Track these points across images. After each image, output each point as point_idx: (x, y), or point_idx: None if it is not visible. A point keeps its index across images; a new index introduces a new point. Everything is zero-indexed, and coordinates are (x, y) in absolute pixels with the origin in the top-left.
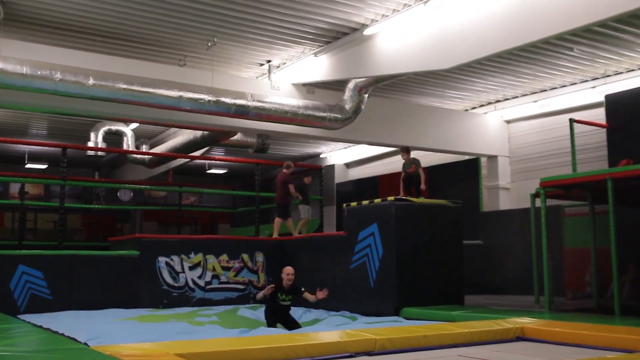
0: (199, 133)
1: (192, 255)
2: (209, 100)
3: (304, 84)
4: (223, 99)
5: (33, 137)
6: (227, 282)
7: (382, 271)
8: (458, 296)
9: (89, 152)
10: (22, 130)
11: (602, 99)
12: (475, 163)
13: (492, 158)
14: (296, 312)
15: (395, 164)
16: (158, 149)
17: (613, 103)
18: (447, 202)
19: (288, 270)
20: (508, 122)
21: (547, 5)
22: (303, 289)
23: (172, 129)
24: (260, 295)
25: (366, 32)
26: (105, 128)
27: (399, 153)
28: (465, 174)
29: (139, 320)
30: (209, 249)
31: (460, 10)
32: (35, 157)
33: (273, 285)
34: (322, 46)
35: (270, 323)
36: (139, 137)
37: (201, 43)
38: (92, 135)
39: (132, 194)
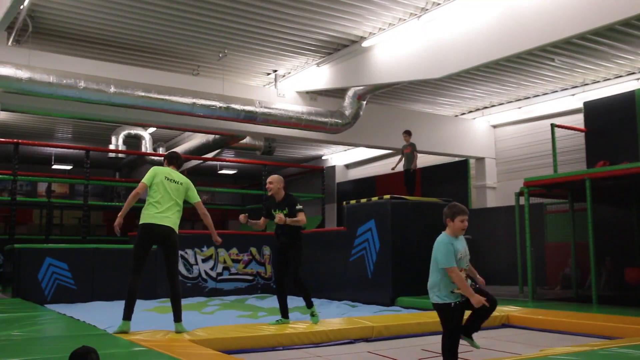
0: (210, 137)
1: (204, 248)
2: (220, 107)
3: (307, 92)
4: (233, 106)
5: (59, 140)
6: (237, 274)
7: (379, 263)
8: None
9: (110, 154)
10: (49, 134)
11: (580, 105)
12: (465, 164)
13: (480, 160)
14: (301, 301)
15: (391, 165)
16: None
17: (591, 109)
18: (439, 199)
19: (268, 179)
20: (494, 126)
21: (530, 19)
22: (299, 207)
23: (186, 133)
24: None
25: (365, 44)
26: (125, 132)
27: (402, 135)
28: (455, 174)
29: (156, 309)
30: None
31: (451, 24)
32: (60, 159)
33: (246, 215)
34: (324, 57)
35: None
36: (156, 140)
37: (213, 54)
38: (113, 138)
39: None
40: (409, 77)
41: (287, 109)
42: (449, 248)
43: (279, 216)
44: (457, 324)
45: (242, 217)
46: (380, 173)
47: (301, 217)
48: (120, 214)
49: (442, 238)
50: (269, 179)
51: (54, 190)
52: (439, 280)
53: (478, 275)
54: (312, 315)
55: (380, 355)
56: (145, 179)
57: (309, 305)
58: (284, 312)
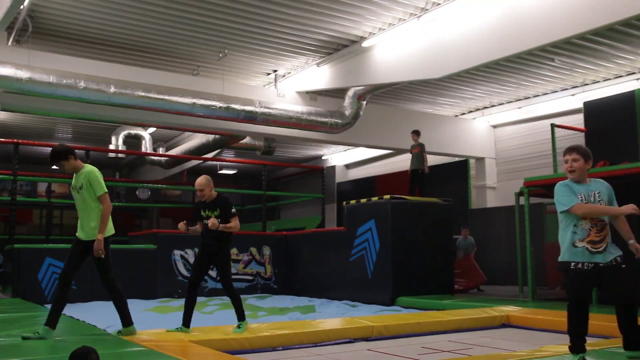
0: (210, 137)
1: None
2: (220, 107)
3: (307, 92)
4: (233, 106)
5: (59, 140)
6: (237, 274)
7: (379, 263)
8: (448, 286)
9: (110, 154)
10: (49, 134)
11: (580, 105)
12: (465, 164)
13: (480, 160)
14: (301, 301)
15: (391, 165)
16: (173, 151)
17: (591, 109)
18: (439, 199)
19: (197, 186)
20: (494, 126)
21: (530, 19)
22: (234, 212)
23: (186, 133)
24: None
25: (364, 44)
26: (125, 132)
27: (410, 135)
28: (455, 175)
29: (155, 309)
30: None
31: (451, 24)
32: None
33: (184, 222)
34: (324, 57)
35: (198, 256)
36: (156, 140)
37: (213, 54)
38: (113, 138)
39: (149, 192)
40: (409, 77)
41: (287, 109)
42: (563, 188)
43: (212, 221)
44: (578, 294)
45: (181, 225)
46: (380, 173)
47: (234, 222)
48: (100, 236)
49: (558, 183)
50: (197, 186)
51: (54, 190)
52: (562, 232)
53: (631, 237)
54: (238, 327)
55: (379, 352)
56: (104, 188)
57: (240, 317)
58: (188, 320)
